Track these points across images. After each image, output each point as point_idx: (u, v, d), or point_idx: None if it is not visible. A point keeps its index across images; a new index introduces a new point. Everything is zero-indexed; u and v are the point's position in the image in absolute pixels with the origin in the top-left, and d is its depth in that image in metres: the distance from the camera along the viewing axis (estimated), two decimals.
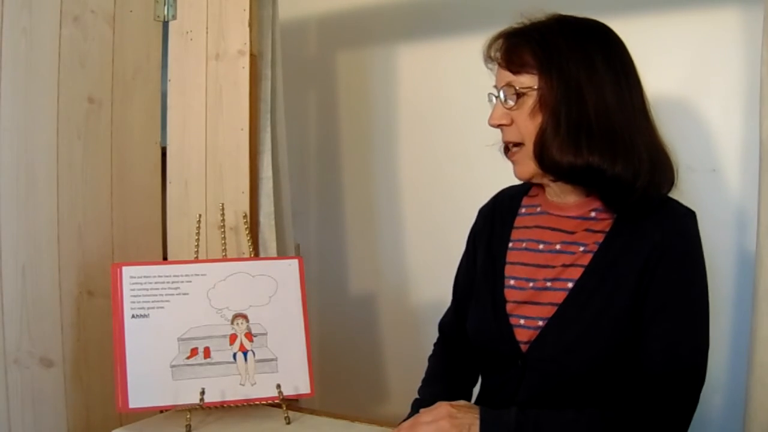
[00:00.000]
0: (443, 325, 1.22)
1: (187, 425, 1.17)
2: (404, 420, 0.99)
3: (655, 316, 0.91)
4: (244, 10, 1.47)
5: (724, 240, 1.43)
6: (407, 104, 1.85)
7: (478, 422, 0.88)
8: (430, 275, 1.83)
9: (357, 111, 1.92)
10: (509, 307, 1.01)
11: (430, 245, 1.83)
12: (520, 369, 0.98)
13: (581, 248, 0.97)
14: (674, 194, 0.98)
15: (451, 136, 1.77)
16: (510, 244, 1.06)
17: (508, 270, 1.04)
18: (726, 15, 1.41)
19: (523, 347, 0.98)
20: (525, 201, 1.09)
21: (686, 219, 0.95)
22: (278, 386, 1.23)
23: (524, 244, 1.04)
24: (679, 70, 1.47)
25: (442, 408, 0.91)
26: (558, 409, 0.91)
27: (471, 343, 1.08)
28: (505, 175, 1.07)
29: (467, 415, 0.89)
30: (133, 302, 1.23)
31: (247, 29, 1.47)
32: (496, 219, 1.10)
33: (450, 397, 1.02)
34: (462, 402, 0.93)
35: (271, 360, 1.26)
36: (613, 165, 0.90)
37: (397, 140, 1.86)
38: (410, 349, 1.86)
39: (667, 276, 0.91)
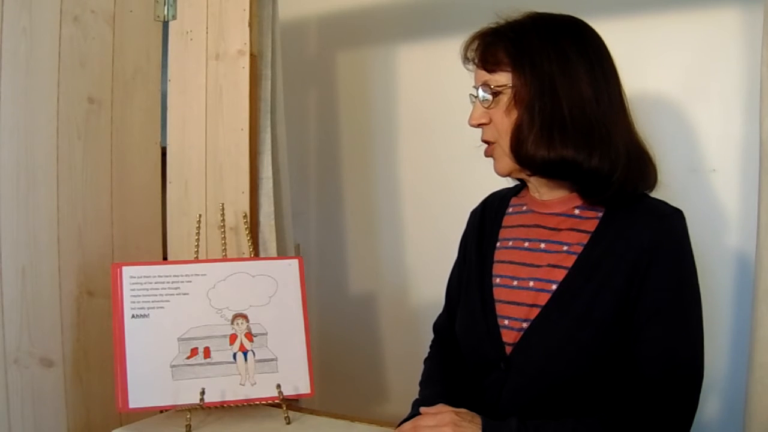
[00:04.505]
0: (438, 327, 1.21)
1: (187, 425, 1.17)
2: (404, 420, 0.99)
3: (650, 321, 0.89)
4: (244, 10, 1.47)
5: (724, 240, 1.43)
6: (407, 104, 1.85)
7: None
8: (430, 275, 1.83)
9: (357, 111, 1.92)
10: (497, 306, 1.00)
11: (430, 245, 1.83)
12: (503, 372, 0.97)
13: (565, 247, 0.96)
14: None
15: (451, 136, 1.76)
16: (498, 244, 1.06)
17: (496, 269, 1.03)
18: (726, 15, 1.41)
19: (508, 349, 0.97)
20: (513, 201, 1.09)
21: (673, 218, 0.93)
22: (278, 386, 1.23)
23: (510, 243, 1.03)
24: (679, 70, 1.47)
25: (446, 414, 0.90)
26: (558, 420, 0.90)
27: (459, 343, 1.07)
28: None
29: (470, 425, 0.88)
30: (133, 302, 1.23)
31: (247, 29, 1.47)
32: (486, 220, 1.10)
33: (450, 396, 1.02)
34: (464, 410, 0.92)
35: (271, 360, 1.26)
36: (589, 158, 0.90)
37: (397, 140, 1.86)
38: (410, 349, 1.86)
39: (660, 279, 0.89)
